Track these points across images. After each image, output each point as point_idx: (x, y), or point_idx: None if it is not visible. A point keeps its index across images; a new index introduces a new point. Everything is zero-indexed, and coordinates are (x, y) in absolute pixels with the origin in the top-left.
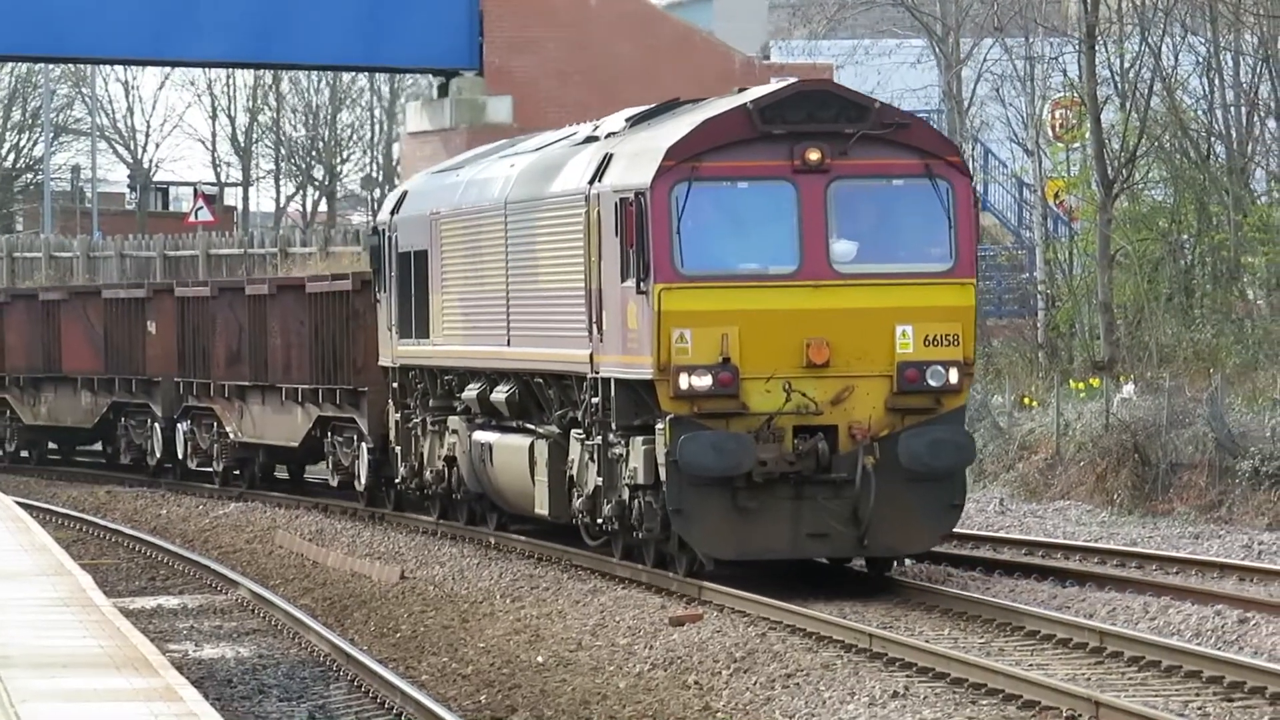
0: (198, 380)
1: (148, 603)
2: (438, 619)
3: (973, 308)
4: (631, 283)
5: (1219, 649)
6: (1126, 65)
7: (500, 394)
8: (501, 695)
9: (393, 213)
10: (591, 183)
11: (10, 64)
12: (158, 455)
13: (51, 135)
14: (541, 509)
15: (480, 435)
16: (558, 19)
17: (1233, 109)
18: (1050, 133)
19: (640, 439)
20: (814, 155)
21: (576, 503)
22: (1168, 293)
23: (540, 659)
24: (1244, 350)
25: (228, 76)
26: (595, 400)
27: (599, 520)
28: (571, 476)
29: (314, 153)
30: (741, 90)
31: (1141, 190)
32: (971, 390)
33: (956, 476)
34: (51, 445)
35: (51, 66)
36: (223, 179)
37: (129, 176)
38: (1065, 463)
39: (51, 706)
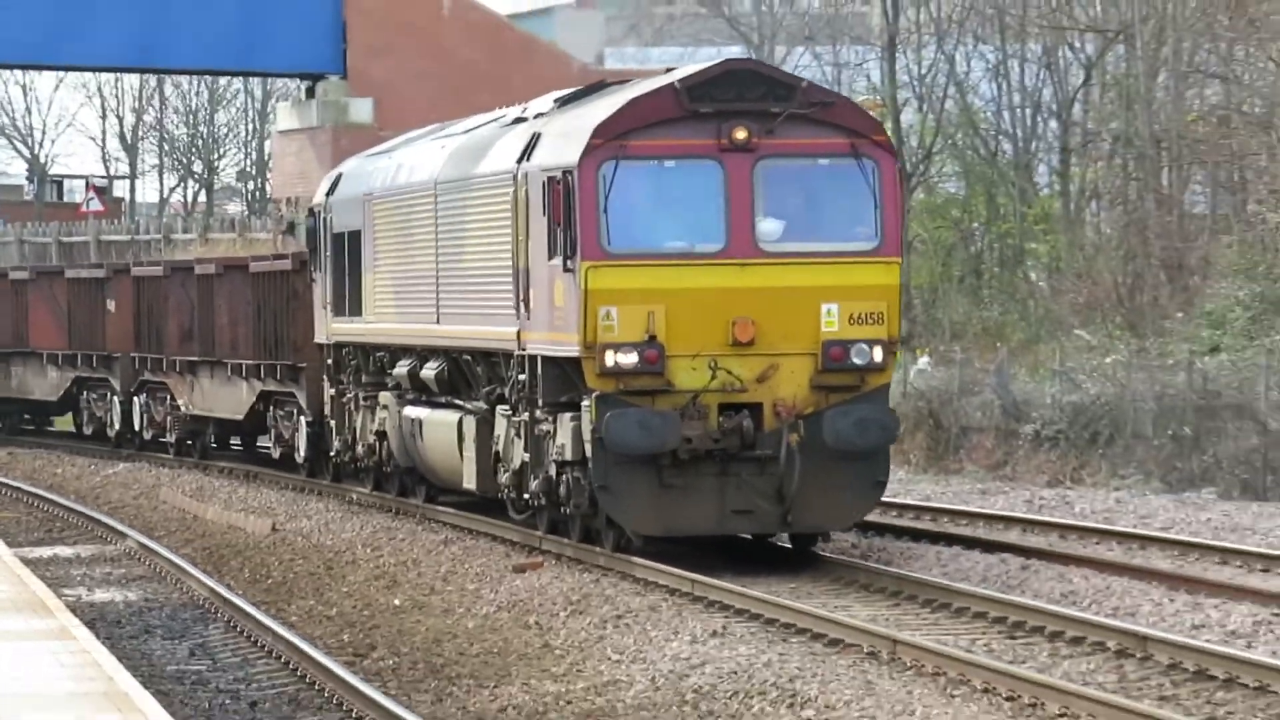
0: (152, 356)
1: (45, 552)
2: (305, 567)
3: (898, 286)
4: (559, 261)
5: (1003, 592)
6: (924, 71)
7: (430, 370)
8: (362, 634)
9: (328, 194)
10: (520, 162)
11: None
12: (117, 427)
13: None
14: (469, 483)
15: (410, 411)
16: (414, 28)
17: (1019, 110)
18: None
19: (568, 416)
20: (741, 134)
21: (503, 477)
22: (959, 275)
23: (397, 602)
24: (1027, 327)
25: (116, 80)
26: (523, 377)
27: (525, 495)
28: (498, 452)
29: (194, 149)
30: (670, 70)
31: (936, 183)
32: None
33: (880, 454)
34: (26, 416)
35: None
36: (112, 172)
37: (27, 170)
38: None
39: None
